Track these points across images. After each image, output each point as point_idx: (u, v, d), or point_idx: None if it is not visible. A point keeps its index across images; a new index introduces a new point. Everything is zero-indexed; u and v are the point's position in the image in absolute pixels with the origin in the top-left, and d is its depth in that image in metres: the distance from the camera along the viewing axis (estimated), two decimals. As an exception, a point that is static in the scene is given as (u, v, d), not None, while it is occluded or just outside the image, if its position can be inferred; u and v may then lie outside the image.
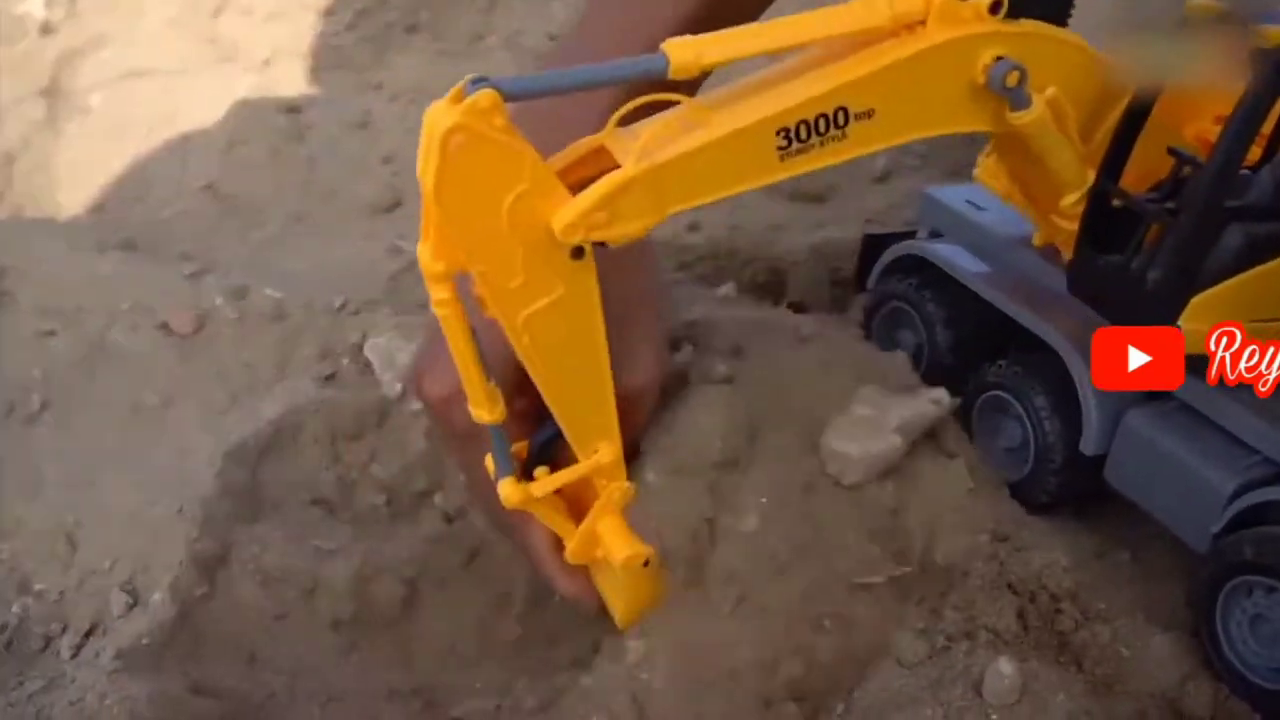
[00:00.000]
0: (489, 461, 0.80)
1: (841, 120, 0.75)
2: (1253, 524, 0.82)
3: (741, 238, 1.46)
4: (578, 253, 0.72)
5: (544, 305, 0.73)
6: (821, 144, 0.75)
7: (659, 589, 0.90)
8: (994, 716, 0.78)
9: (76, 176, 1.63)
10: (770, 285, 1.32)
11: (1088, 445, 0.94)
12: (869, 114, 0.76)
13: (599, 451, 0.81)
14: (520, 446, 0.82)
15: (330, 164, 1.69)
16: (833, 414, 0.94)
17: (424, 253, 0.69)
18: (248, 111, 1.82)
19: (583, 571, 0.90)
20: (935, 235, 1.13)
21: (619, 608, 0.89)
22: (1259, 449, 0.84)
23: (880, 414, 0.93)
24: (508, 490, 0.77)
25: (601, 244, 0.74)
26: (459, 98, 0.65)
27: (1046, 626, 0.86)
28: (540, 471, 0.80)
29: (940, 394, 0.94)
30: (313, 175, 1.68)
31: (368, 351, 1.19)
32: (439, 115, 0.65)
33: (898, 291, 1.11)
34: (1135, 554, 0.98)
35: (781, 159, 0.74)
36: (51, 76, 1.81)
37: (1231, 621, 0.84)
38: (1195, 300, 0.83)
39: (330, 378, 1.16)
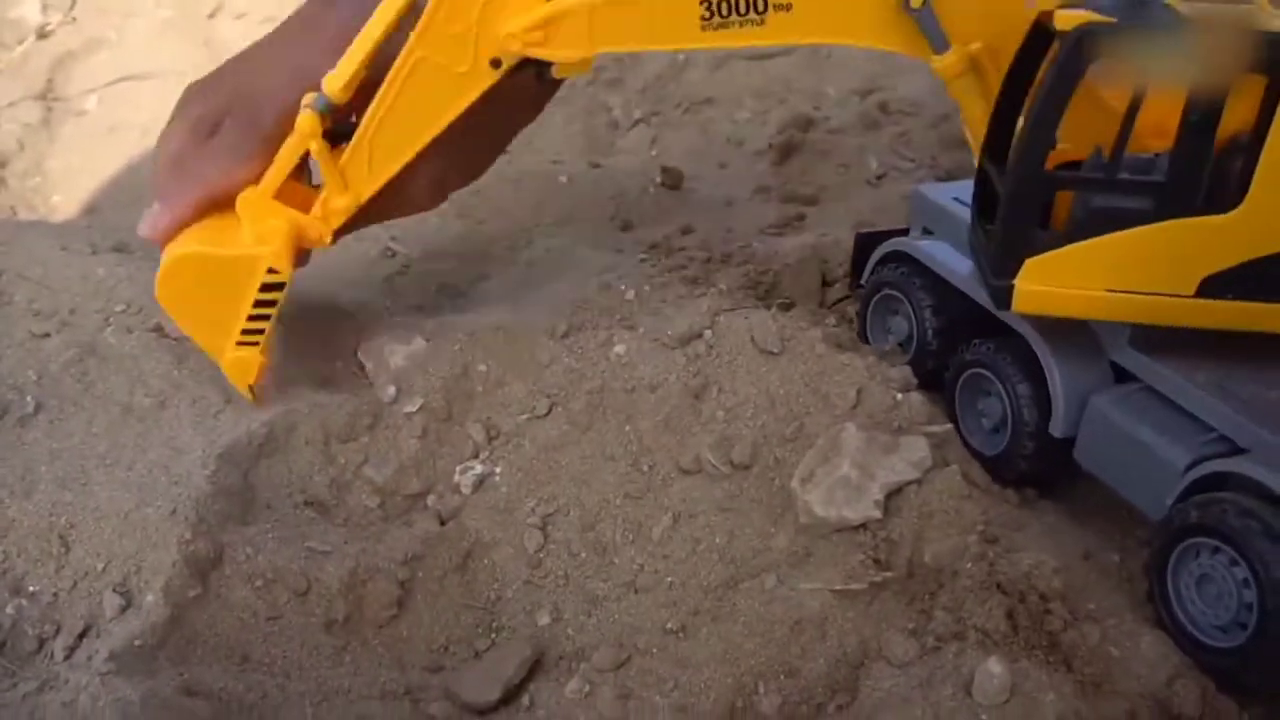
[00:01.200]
0: (308, 98, 0.92)
1: (760, 6, 0.86)
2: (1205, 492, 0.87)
3: (735, 240, 1.46)
4: (495, 63, 0.87)
5: (441, 63, 0.87)
6: (740, 24, 0.86)
7: (213, 315, 1.01)
8: (984, 716, 0.78)
9: (71, 179, 1.63)
10: (762, 284, 1.32)
11: (1056, 428, 0.98)
12: (787, 6, 0.86)
13: (347, 193, 0.96)
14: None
15: (324, 166, 1.69)
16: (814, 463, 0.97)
17: None
18: (242, 114, 1.82)
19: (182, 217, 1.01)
20: (927, 232, 1.17)
21: (178, 253, 0.99)
22: (1214, 426, 0.88)
23: (864, 478, 0.96)
24: (312, 120, 0.91)
25: (541, 71, 0.88)
26: None
27: (1036, 627, 0.87)
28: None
29: (923, 453, 0.97)
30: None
31: (361, 354, 1.19)
32: None
33: (889, 280, 1.16)
34: (1124, 556, 0.98)
35: (703, 28, 0.86)
36: (47, 80, 1.81)
37: (1181, 583, 0.88)
38: (1030, 261, 0.89)
39: (324, 380, 1.17)
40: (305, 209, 0.98)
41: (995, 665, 0.80)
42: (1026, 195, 0.89)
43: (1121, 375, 0.97)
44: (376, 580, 0.98)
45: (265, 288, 0.96)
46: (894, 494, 0.96)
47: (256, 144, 0.96)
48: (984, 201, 0.97)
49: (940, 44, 0.90)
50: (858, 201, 1.58)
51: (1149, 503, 0.92)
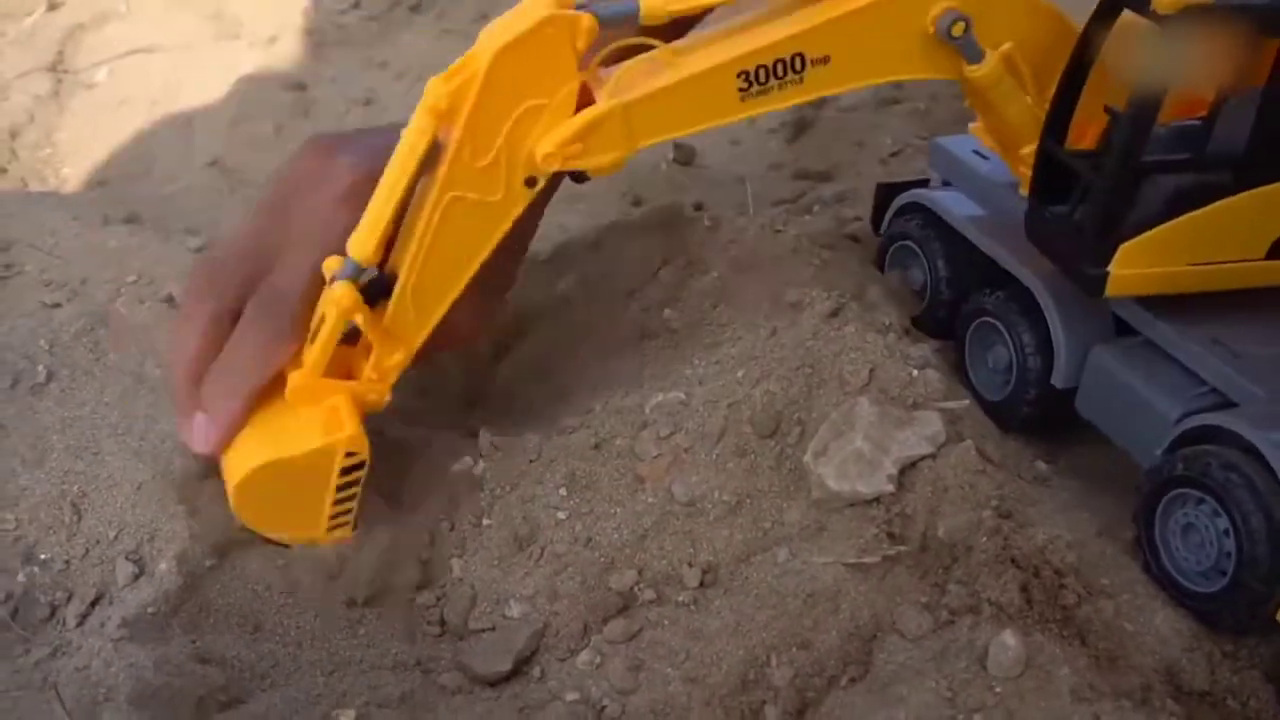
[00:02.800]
0: (329, 264, 0.83)
1: (798, 65, 0.83)
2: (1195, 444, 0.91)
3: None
4: (531, 181, 0.82)
5: (476, 199, 0.81)
6: (780, 87, 0.83)
7: (297, 513, 0.91)
8: (998, 689, 0.78)
9: (81, 152, 1.63)
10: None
11: (1058, 378, 1.02)
12: (825, 60, 0.84)
13: (395, 351, 0.88)
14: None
15: (335, 141, 1.69)
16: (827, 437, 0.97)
17: (440, 89, 0.77)
18: (252, 88, 1.82)
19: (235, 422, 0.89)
20: (946, 183, 1.21)
21: (248, 468, 0.88)
22: (1208, 381, 0.92)
23: (878, 452, 0.96)
24: (348, 291, 0.81)
25: (578, 177, 0.84)
26: (569, 3, 0.76)
27: (1050, 601, 0.86)
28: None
29: (937, 428, 0.97)
30: (317, 152, 1.68)
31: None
32: (544, 5, 0.76)
33: (905, 231, 1.19)
34: (1138, 533, 0.98)
35: (742, 99, 0.83)
36: (57, 51, 1.81)
37: (1168, 531, 0.91)
38: (1124, 246, 0.90)
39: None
40: (346, 367, 0.90)
41: (1010, 638, 0.79)
42: (1124, 183, 0.89)
43: (1124, 329, 1.01)
44: (405, 565, 0.97)
45: (346, 470, 0.88)
46: (908, 469, 0.95)
47: (288, 325, 0.86)
48: (1047, 187, 0.96)
49: (977, 56, 0.90)
50: (871, 178, 1.57)
51: (1142, 452, 0.96)
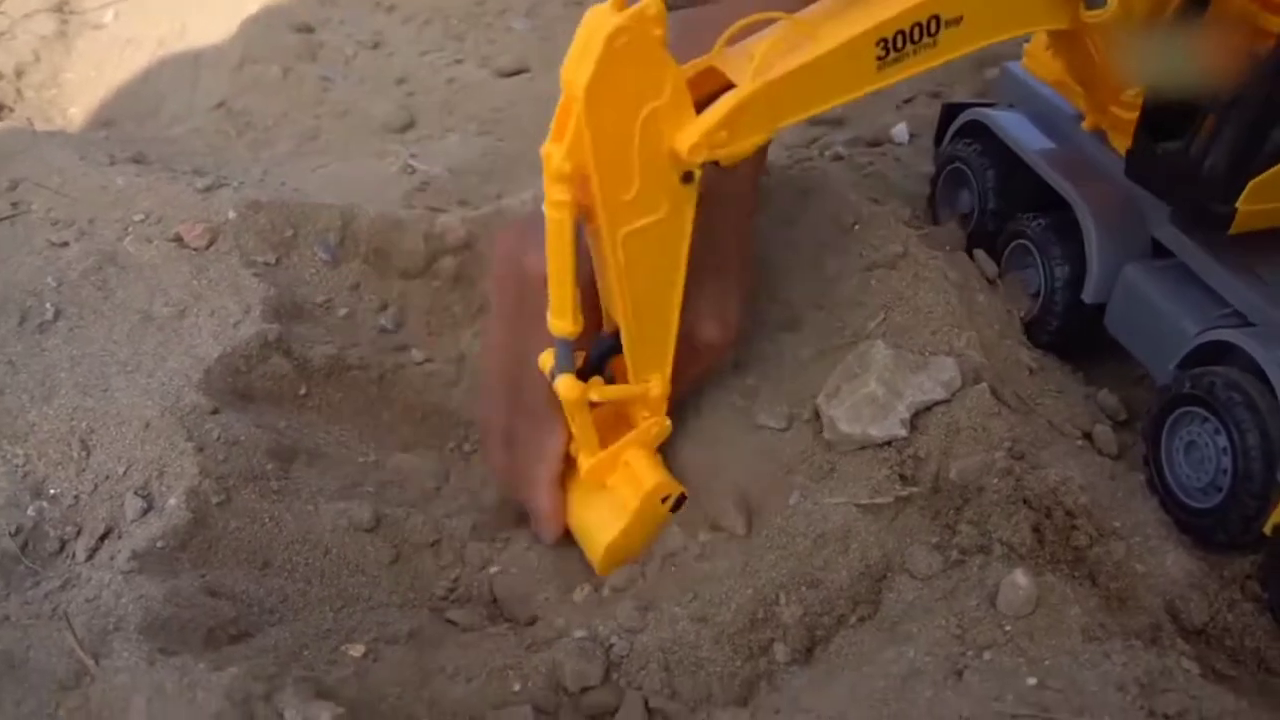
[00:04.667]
0: (543, 359, 0.85)
1: (934, 28, 0.80)
2: (1208, 364, 0.93)
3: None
4: (687, 177, 0.77)
5: (647, 223, 0.77)
6: (915, 52, 0.80)
7: (648, 537, 0.94)
8: (1008, 627, 0.78)
9: (87, 92, 1.62)
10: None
11: (1088, 293, 1.05)
12: (958, 20, 0.81)
13: (650, 383, 0.87)
14: (579, 355, 0.85)
15: (342, 84, 1.68)
16: (840, 379, 0.96)
17: (556, 153, 0.71)
18: (259, 30, 1.80)
19: (563, 505, 0.96)
20: (1010, 107, 1.22)
21: (601, 545, 0.93)
22: (1231, 302, 0.94)
23: (891, 396, 0.95)
24: (568, 384, 0.82)
25: (714, 163, 0.78)
26: (622, 5, 0.69)
27: (1062, 541, 0.86)
28: (594, 380, 0.85)
29: (952, 374, 0.96)
30: (325, 94, 1.66)
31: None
32: (603, 17, 0.69)
33: (959, 154, 1.22)
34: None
35: (879, 68, 0.79)
36: (63, -9, 1.79)
37: (1172, 449, 0.94)
38: (1253, 183, 0.91)
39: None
40: (622, 415, 0.93)
41: (1021, 577, 0.79)
42: (1259, 122, 0.90)
43: (1160, 252, 1.03)
44: (420, 529, 0.98)
45: (674, 508, 0.95)
46: (921, 412, 0.94)
47: (545, 424, 0.93)
48: (1162, 122, 0.96)
49: (1102, 3, 0.87)
50: (883, 126, 1.56)
51: (1160, 368, 0.99)
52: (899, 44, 0.79)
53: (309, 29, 1.83)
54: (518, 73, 1.68)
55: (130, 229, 1.18)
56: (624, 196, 0.75)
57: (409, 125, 1.60)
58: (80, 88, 1.61)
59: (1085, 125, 1.10)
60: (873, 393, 0.95)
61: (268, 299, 1.12)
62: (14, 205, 1.22)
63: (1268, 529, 0.86)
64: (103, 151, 1.33)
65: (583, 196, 0.74)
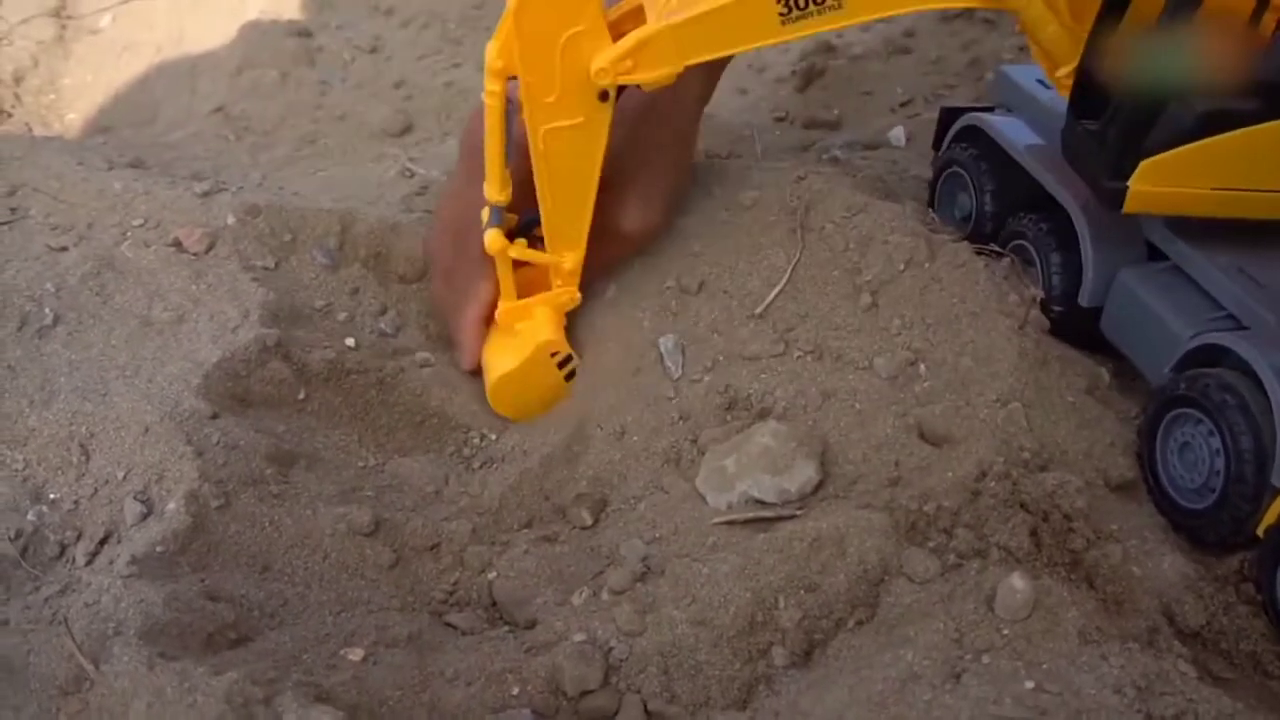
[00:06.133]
0: (483, 214, 1.01)
1: None
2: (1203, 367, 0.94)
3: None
4: (603, 95, 0.93)
5: (564, 126, 0.94)
6: (819, 13, 0.88)
7: (540, 392, 1.10)
8: (1005, 631, 0.78)
9: (85, 97, 1.62)
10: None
11: (1084, 297, 1.06)
12: None
13: (564, 258, 1.04)
14: (510, 219, 1.02)
15: (340, 88, 1.68)
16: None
17: (490, 50, 0.89)
18: (257, 35, 1.80)
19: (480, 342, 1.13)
20: (1008, 111, 1.24)
21: (494, 377, 1.10)
22: (1224, 305, 0.95)
23: (735, 478, 0.97)
24: (493, 237, 0.99)
25: (637, 86, 0.93)
26: None
27: (1059, 545, 0.86)
28: (519, 241, 1.02)
29: (805, 479, 0.96)
30: (323, 99, 1.67)
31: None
32: None
33: (957, 159, 1.24)
34: (1144, 478, 0.98)
35: (783, 23, 0.89)
36: (60, -4, 1.79)
37: (1167, 450, 0.95)
38: (1146, 163, 0.92)
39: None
40: (543, 278, 1.08)
41: (1018, 580, 0.79)
42: (1149, 99, 0.92)
43: (1156, 255, 1.04)
44: (419, 532, 0.98)
45: (561, 364, 1.10)
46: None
47: (479, 269, 1.09)
48: (1085, 103, 0.99)
49: None
50: (880, 129, 1.56)
51: (1155, 371, 1.00)
52: (801, 4, 0.88)
53: (307, 34, 1.83)
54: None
55: (129, 234, 1.18)
56: (546, 99, 0.91)
57: (407, 129, 1.60)
58: (78, 93, 1.61)
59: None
60: (724, 466, 0.97)
61: (267, 303, 1.12)
62: (12, 210, 1.22)
63: (1260, 530, 0.87)
64: (101, 156, 1.34)
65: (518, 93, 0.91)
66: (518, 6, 0.86)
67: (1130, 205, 0.93)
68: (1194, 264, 0.98)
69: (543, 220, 1.01)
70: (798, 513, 0.92)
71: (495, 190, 0.97)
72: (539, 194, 0.98)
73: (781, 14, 0.88)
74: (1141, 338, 1.01)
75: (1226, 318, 0.95)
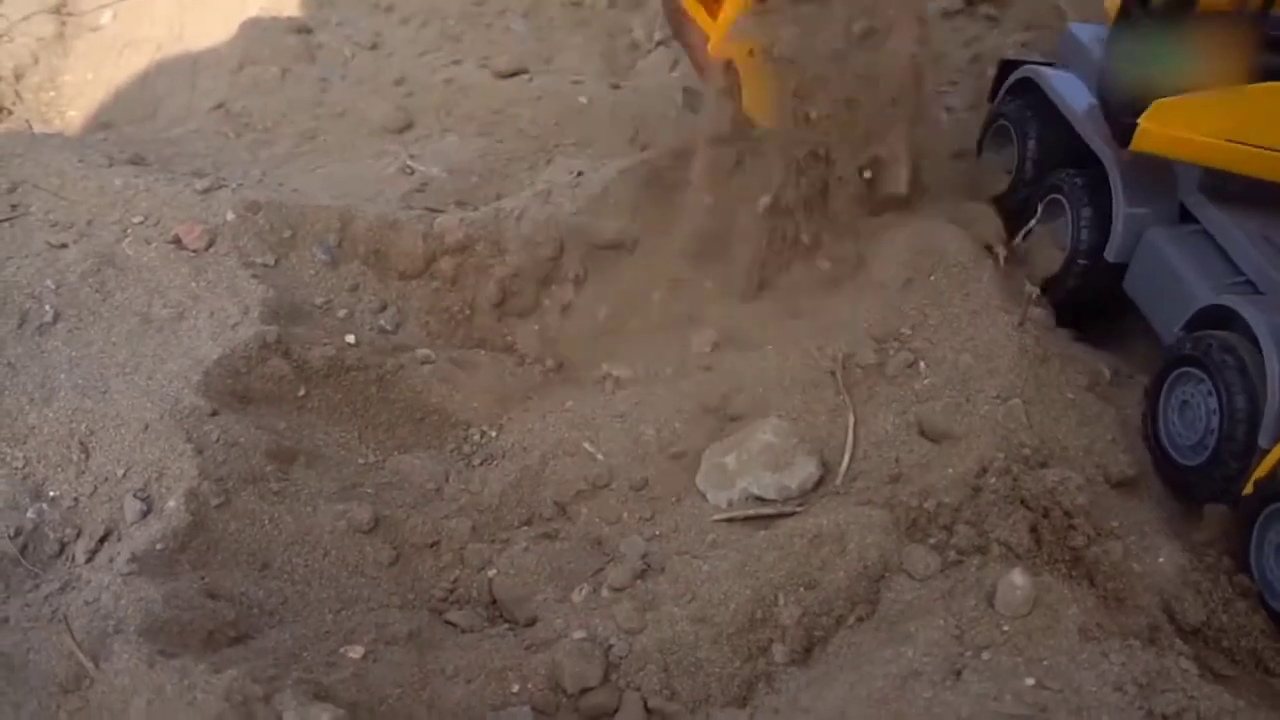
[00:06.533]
0: None
1: None
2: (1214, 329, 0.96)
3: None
4: None
5: None
6: None
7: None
8: (1006, 627, 0.78)
9: (85, 94, 1.62)
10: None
11: (1111, 252, 1.09)
12: None
13: None
14: None
15: (341, 85, 1.68)
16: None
17: None
18: (258, 32, 1.80)
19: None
20: (1066, 67, 1.28)
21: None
22: (1243, 269, 0.98)
23: (735, 475, 0.98)
24: None
25: None
26: None
27: (1059, 542, 0.86)
28: None
29: (805, 476, 0.97)
30: (323, 96, 1.67)
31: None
32: None
33: (1006, 112, 1.28)
34: (1146, 476, 0.98)
35: None
36: (61, -6, 1.78)
37: (1169, 406, 0.98)
38: (1158, 102, 0.96)
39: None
40: None
41: (1018, 577, 0.79)
42: (1162, 33, 0.96)
43: (1188, 218, 1.06)
44: (417, 528, 0.98)
45: None
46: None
47: None
48: (1121, 40, 1.04)
49: None
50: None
51: (1168, 331, 1.02)
52: None
53: (307, 30, 1.82)
54: (516, 73, 1.68)
55: (129, 231, 1.18)
56: None
57: (407, 126, 1.60)
58: (79, 90, 1.61)
59: None
60: (724, 463, 0.97)
61: (266, 300, 1.12)
62: (13, 207, 1.22)
63: (1248, 488, 0.89)
64: (101, 153, 1.34)
65: None
66: None
67: (1139, 143, 0.96)
68: (1219, 227, 1.00)
69: None
70: (798, 509, 0.91)
71: None
72: None
73: None
74: (1160, 297, 1.03)
75: (1245, 283, 0.97)
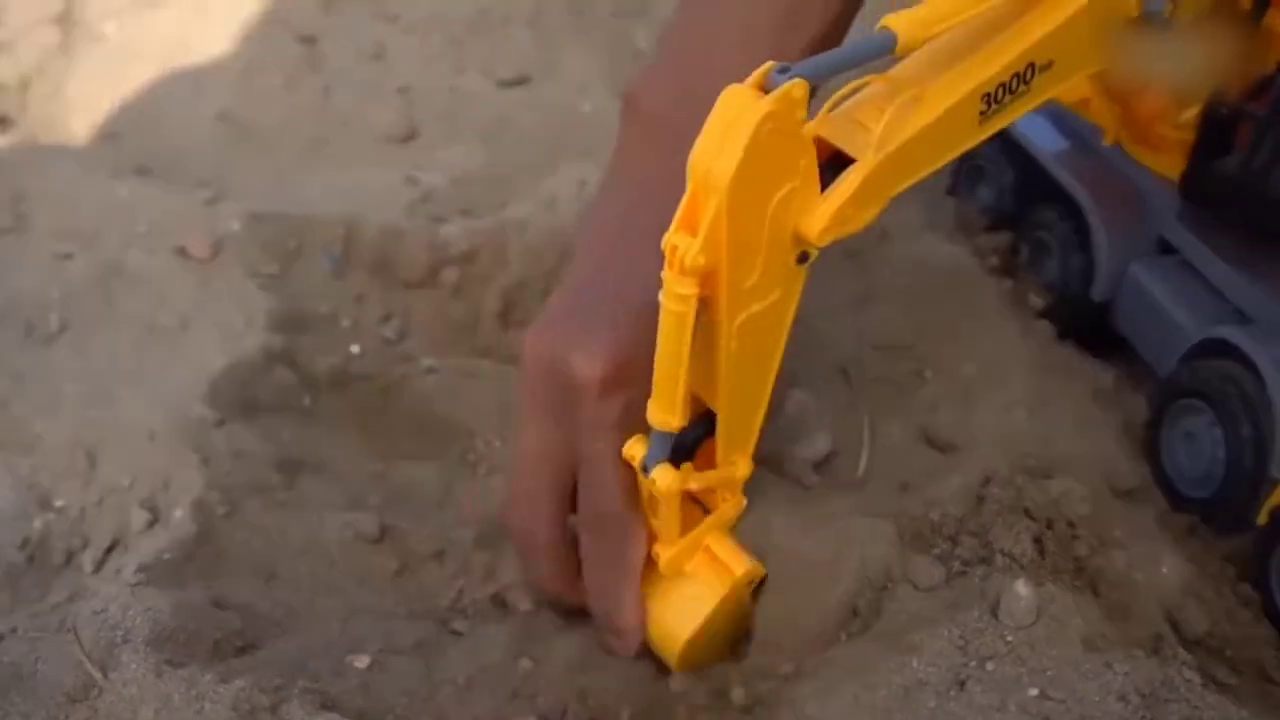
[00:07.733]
0: (630, 451, 0.77)
1: (1029, 75, 0.76)
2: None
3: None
4: (803, 258, 0.71)
5: (760, 309, 0.72)
6: (1011, 101, 0.76)
7: (729, 628, 0.87)
8: (1009, 638, 0.78)
9: (90, 104, 1.62)
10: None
11: (1097, 292, 1.07)
12: (1049, 65, 0.77)
13: (736, 464, 0.81)
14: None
15: (345, 94, 1.68)
16: None
17: (690, 247, 0.64)
18: (261, 41, 1.80)
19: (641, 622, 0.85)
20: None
21: (681, 639, 0.84)
22: (1231, 299, 0.97)
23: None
24: (667, 475, 0.74)
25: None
26: (761, 84, 0.63)
27: (1063, 552, 0.86)
28: (686, 467, 0.77)
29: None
30: (327, 105, 1.67)
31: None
32: (746, 101, 0.62)
33: (977, 150, 1.22)
34: (1150, 489, 0.98)
35: (980, 123, 0.75)
36: (65, 3, 1.79)
37: (1173, 438, 0.98)
38: None
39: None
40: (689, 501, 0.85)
41: (1022, 588, 0.79)
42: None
43: (1167, 250, 1.05)
44: (424, 539, 0.98)
45: (755, 591, 0.88)
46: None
47: (629, 527, 0.82)
48: (1215, 140, 0.99)
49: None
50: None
51: (1164, 366, 1.01)
52: (999, 96, 0.75)
53: (311, 39, 1.83)
54: (521, 82, 1.68)
55: (134, 241, 1.18)
56: (746, 284, 0.69)
57: (411, 135, 1.60)
58: (83, 100, 1.61)
59: (1106, 141, 1.10)
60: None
61: (272, 310, 1.12)
62: (17, 218, 1.23)
63: (1261, 518, 0.89)
64: (106, 164, 1.34)
65: (702, 288, 0.67)
66: (732, 178, 0.63)
67: None
68: (1202, 256, 1.00)
69: (720, 428, 0.78)
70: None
71: (675, 417, 0.72)
72: (720, 399, 0.76)
73: (982, 113, 0.74)
74: (1150, 332, 1.03)
75: (1236, 314, 0.97)
